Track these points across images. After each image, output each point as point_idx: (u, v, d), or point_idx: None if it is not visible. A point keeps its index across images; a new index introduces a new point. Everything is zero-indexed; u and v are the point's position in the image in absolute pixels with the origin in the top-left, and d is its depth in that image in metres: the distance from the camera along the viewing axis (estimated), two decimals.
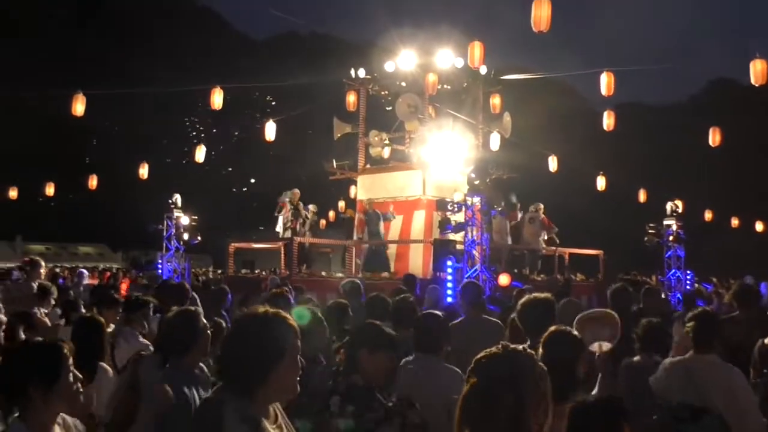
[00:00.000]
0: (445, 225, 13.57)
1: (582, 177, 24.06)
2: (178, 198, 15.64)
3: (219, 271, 25.81)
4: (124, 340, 5.63)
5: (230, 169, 54.76)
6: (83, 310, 7.53)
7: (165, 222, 15.65)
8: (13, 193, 24.42)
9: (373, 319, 5.58)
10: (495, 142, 17.67)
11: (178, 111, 56.04)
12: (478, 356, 1.94)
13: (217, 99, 15.93)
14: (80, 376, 2.66)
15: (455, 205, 12.96)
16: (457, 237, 13.24)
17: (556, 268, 16.09)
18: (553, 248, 16.56)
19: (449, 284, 11.76)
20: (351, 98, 17.81)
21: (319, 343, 4.45)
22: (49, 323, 7.36)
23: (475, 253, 12.72)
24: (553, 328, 3.31)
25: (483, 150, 17.18)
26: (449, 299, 10.52)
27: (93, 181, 22.03)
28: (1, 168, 39.09)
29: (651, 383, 4.36)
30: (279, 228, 16.38)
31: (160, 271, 15.51)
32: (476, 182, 12.94)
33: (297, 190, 16.47)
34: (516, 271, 14.83)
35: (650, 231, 16.37)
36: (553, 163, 20.20)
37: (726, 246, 33.04)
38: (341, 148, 18.83)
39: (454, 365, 4.12)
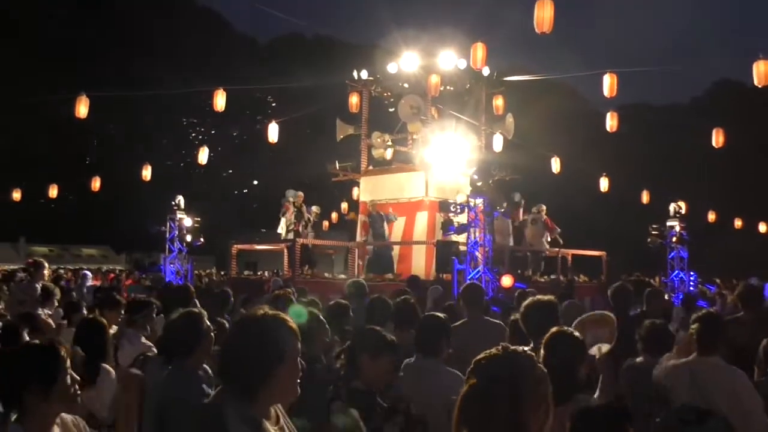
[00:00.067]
0: (447, 226, 13.58)
1: (585, 178, 24.02)
2: (181, 199, 15.67)
3: (222, 273, 25.83)
4: (128, 341, 5.64)
5: (233, 170, 54.75)
6: (85, 312, 7.54)
7: (168, 224, 15.68)
8: (16, 195, 24.47)
9: (374, 321, 5.58)
10: (498, 143, 17.68)
11: (181, 112, 56.05)
12: (478, 357, 1.94)
13: (219, 101, 15.98)
14: (78, 378, 2.65)
15: (458, 207, 12.97)
16: (460, 238, 13.25)
17: (559, 269, 16.08)
18: (556, 249, 16.56)
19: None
20: (354, 100, 17.82)
21: (320, 344, 4.46)
22: (53, 325, 7.37)
23: (478, 254, 12.73)
24: (554, 329, 3.31)
25: (486, 151, 17.19)
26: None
27: (96, 183, 22.06)
28: (5, 170, 39.17)
29: (653, 380, 4.35)
30: (281, 230, 16.39)
31: (163, 272, 15.54)
32: (479, 183, 12.95)
33: (300, 193, 16.49)
34: (519, 272, 14.82)
35: (653, 232, 16.37)
36: (555, 165, 20.20)
37: (729, 247, 32.94)
38: (344, 150, 18.85)
39: (456, 367, 4.11)
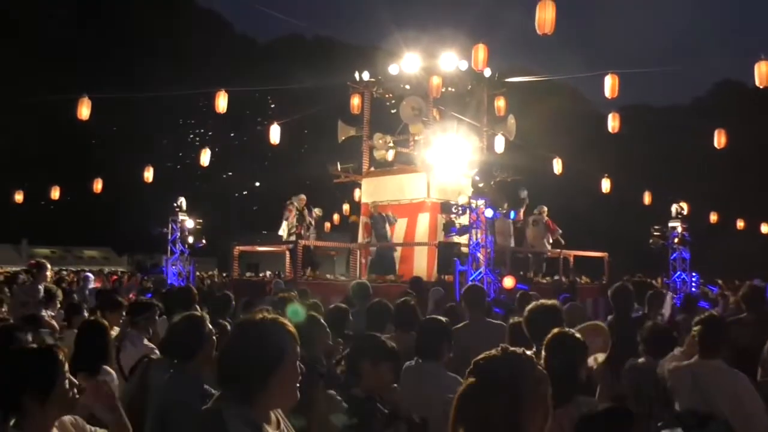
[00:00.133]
0: (449, 228, 13.57)
1: (586, 179, 24.01)
2: (183, 201, 15.67)
3: (224, 274, 25.86)
4: (131, 343, 5.63)
5: (234, 172, 54.74)
6: (86, 314, 7.55)
7: (170, 225, 15.69)
8: (18, 197, 24.50)
9: (374, 325, 5.59)
10: (499, 144, 17.66)
11: (182, 114, 56.08)
12: (477, 357, 1.94)
13: (221, 102, 16.00)
14: (76, 382, 2.64)
15: (459, 208, 12.96)
16: (462, 240, 13.24)
17: (560, 270, 16.06)
18: (558, 251, 16.55)
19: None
20: (355, 101, 17.82)
21: (321, 348, 4.46)
22: (57, 326, 7.38)
23: (480, 255, 12.72)
24: (555, 330, 3.32)
25: (487, 152, 17.19)
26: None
27: (98, 185, 22.08)
28: (7, 172, 39.21)
29: (657, 381, 4.35)
30: (282, 232, 16.40)
31: (165, 274, 15.55)
32: (480, 185, 12.94)
33: (303, 196, 16.49)
34: (521, 273, 14.81)
35: (655, 233, 16.35)
36: (557, 166, 20.18)
37: (731, 248, 32.90)
38: (345, 151, 18.85)
39: (459, 369, 4.11)
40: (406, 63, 16.55)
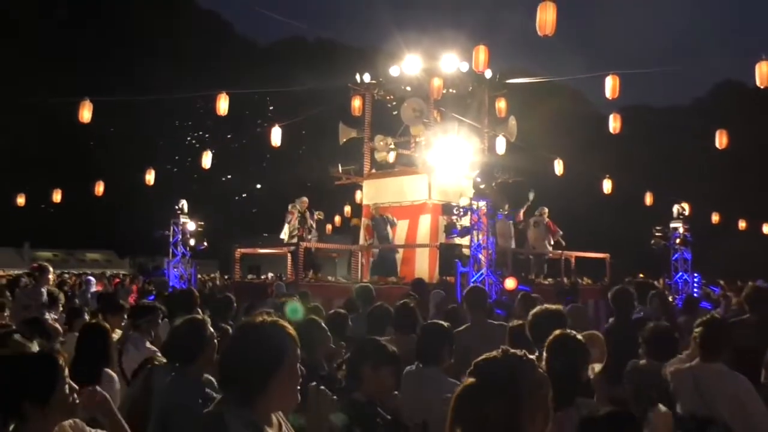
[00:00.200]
0: (451, 229, 13.57)
1: (588, 180, 23.98)
2: (184, 204, 15.66)
3: (226, 277, 25.85)
4: (133, 346, 5.64)
5: (235, 174, 54.74)
6: (88, 317, 7.55)
7: (171, 228, 15.67)
8: (20, 200, 24.51)
9: (374, 329, 5.59)
10: (500, 145, 17.66)
11: (183, 116, 56.10)
12: (478, 359, 1.94)
13: (222, 105, 16.00)
14: (76, 387, 2.63)
15: (461, 209, 12.95)
16: (463, 241, 13.24)
17: (562, 271, 16.05)
18: (559, 252, 16.54)
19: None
20: (356, 103, 17.83)
21: (322, 351, 4.46)
22: (60, 329, 7.39)
23: (482, 257, 12.72)
24: (557, 332, 3.31)
25: (488, 154, 17.19)
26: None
27: (99, 187, 22.07)
28: (8, 173, 39.24)
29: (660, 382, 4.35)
30: (284, 235, 16.40)
31: (167, 277, 15.54)
32: (482, 186, 12.94)
33: (305, 199, 16.49)
34: (523, 275, 14.80)
35: (657, 234, 16.31)
36: (558, 167, 20.16)
37: (733, 249, 32.87)
38: (347, 153, 18.87)
39: (459, 371, 4.10)
40: (407, 65, 16.56)
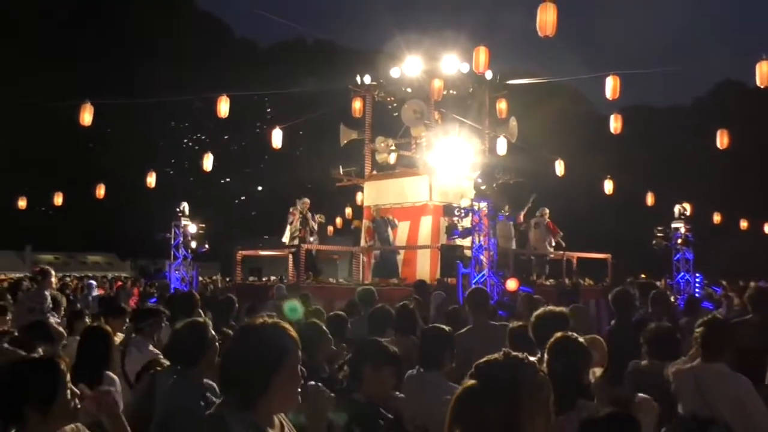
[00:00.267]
0: (452, 230, 13.57)
1: (589, 181, 23.98)
2: (185, 206, 15.67)
3: (227, 279, 25.87)
4: (136, 348, 5.63)
5: (236, 176, 54.70)
6: (89, 321, 7.55)
7: (173, 230, 15.67)
8: (21, 203, 24.55)
9: (375, 330, 5.59)
10: (501, 146, 17.67)
11: (183, 118, 56.05)
12: (479, 361, 1.94)
13: (223, 107, 16.01)
14: (78, 392, 2.63)
15: (462, 211, 12.95)
16: (465, 242, 13.24)
17: (563, 272, 16.05)
18: (561, 252, 16.54)
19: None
20: (357, 104, 17.84)
21: (323, 353, 4.45)
22: (64, 333, 7.40)
23: (483, 258, 12.71)
24: (558, 334, 3.30)
25: (489, 155, 17.20)
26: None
27: (100, 190, 22.09)
28: (9, 175, 39.24)
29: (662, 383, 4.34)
30: (285, 238, 16.40)
31: (168, 279, 15.55)
32: (483, 187, 12.94)
33: (307, 200, 16.49)
34: (524, 276, 14.79)
35: (658, 234, 16.30)
36: (559, 167, 20.16)
37: (735, 249, 32.82)
38: (348, 155, 18.88)
39: (461, 372, 4.09)
40: (408, 66, 16.57)
